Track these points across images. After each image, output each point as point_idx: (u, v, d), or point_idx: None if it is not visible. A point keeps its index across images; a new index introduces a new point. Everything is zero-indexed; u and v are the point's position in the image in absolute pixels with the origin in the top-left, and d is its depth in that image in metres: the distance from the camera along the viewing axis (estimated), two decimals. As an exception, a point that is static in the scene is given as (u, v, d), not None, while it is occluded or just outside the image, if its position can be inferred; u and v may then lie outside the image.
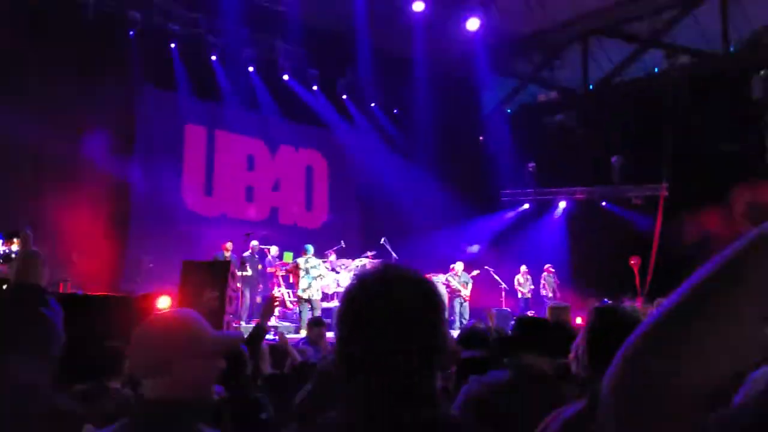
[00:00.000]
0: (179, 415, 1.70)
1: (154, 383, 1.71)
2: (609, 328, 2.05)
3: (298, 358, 5.07)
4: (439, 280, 15.52)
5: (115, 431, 1.69)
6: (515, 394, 2.64)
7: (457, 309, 14.12)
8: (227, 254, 12.06)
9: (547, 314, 6.64)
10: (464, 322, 13.21)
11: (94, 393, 3.45)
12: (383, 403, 1.08)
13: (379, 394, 1.09)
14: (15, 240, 8.57)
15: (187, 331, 1.76)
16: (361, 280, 1.18)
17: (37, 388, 1.55)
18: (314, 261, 12.38)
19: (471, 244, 18.29)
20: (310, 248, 12.46)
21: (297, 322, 12.22)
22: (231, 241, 12.42)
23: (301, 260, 12.33)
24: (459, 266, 14.61)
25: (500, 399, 2.65)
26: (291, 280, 13.75)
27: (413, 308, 1.13)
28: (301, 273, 12.18)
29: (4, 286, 1.83)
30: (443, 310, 1.19)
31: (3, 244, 8.65)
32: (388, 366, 1.09)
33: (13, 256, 8.31)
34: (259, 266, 12.95)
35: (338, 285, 13.64)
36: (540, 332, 2.90)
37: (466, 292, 14.23)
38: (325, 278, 12.80)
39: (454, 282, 14.24)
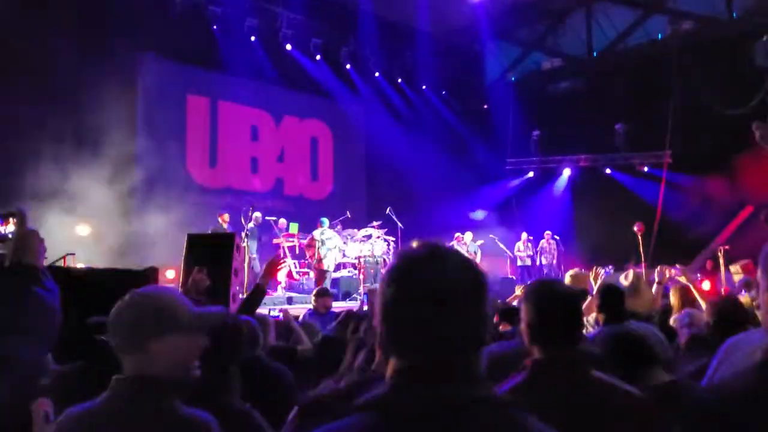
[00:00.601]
0: (155, 391, 1.71)
1: (132, 360, 1.72)
2: (548, 301, 2.11)
3: (303, 337, 5.14)
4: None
5: (94, 407, 1.71)
6: (521, 362, 2.70)
7: None
8: (225, 225, 12.12)
9: (566, 281, 6.67)
10: None
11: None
12: (429, 383, 1.08)
13: (426, 374, 1.09)
14: (11, 220, 8.64)
15: (163, 308, 1.76)
16: (411, 257, 1.16)
17: (35, 367, 1.58)
18: (329, 233, 12.57)
19: (475, 210, 18.34)
20: (326, 221, 12.71)
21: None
22: (227, 213, 12.46)
23: (317, 232, 12.52)
24: (468, 236, 14.71)
25: (507, 368, 2.71)
26: (297, 252, 13.88)
27: (466, 288, 1.13)
28: (317, 244, 12.41)
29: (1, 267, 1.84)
30: (488, 291, 1.18)
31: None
32: (437, 346, 1.09)
33: (10, 236, 8.37)
34: (262, 238, 13.01)
35: (344, 255, 13.75)
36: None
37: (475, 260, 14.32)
38: (342, 249, 13.08)
39: (464, 251, 14.33)
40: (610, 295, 3.99)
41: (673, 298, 5.57)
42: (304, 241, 13.84)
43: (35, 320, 1.61)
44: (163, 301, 1.79)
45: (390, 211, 14.42)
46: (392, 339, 1.13)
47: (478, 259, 14.35)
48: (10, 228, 8.45)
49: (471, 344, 1.13)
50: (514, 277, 14.97)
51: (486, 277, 1.17)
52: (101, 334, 3.89)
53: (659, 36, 18.21)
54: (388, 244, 14.44)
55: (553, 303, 2.09)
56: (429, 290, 1.10)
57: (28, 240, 1.77)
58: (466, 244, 14.49)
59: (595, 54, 19.47)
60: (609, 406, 1.91)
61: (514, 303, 7.68)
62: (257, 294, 4.28)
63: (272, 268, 4.45)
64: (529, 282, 13.38)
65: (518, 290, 10.00)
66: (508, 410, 1.11)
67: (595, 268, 5.45)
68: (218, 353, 2.51)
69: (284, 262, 10.10)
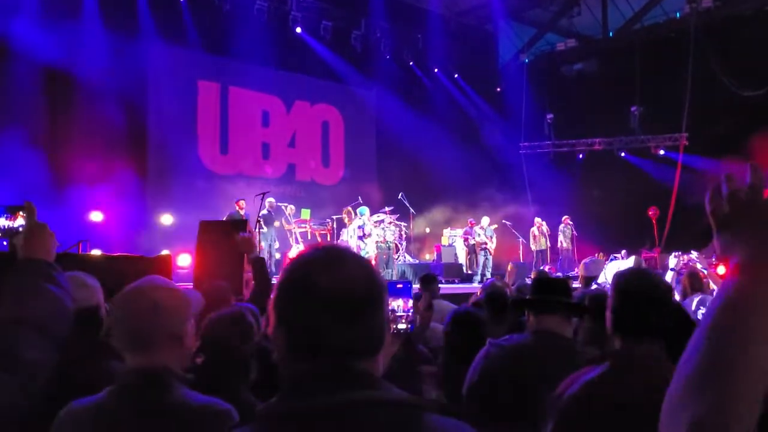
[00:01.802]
0: (166, 382, 1.71)
1: (139, 352, 1.73)
2: (636, 291, 2.03)
3: None
4: (456, 234, 15.56)
5: (99, 400, 1.70)
6: (533, 359, 2.62)
7: (481, 262, 14.22)
8: (241, 212, 12.10)
9: (581, 268, 6.62)
10: (487, 275, 13.34)
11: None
12: (324, 386, 1.06)
13: (322, 377, 1.07)
14: (19, 213, 8.63)
15: (168, 309, 1.76)
16: (307, 262, 1.14)
17: (44, 366, 1.54)
18: (360, 221, 12.87)
19: None
20: (365, 210, 12.92)
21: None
22: (244, 199, 12.44)
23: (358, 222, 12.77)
24: (485, 220, 14.62)
25: (519, 362, 2.63)
26: (309, 238, 13.86)
27: (364, 293, 1.11)
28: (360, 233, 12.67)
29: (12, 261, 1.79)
30: (386, 293, 1.17)
31: (7, 218, 8.69)
32: (335, 351, 1.08)
33: (20, 230, 8.38)
34: (276, 223, 12.99)
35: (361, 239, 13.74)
36: (558, 294, 2.85)
37: (492, 245, 14.27)
38: (373, 236, 13.20)
39: (482, 236, 14.25)
40: None
41: (684, 283, 5.60)
42: (317, 227, 13.81)
43: (45, 318, 1.55)
44: (170, 293, 1.79)
45: (402, 196, 14.34)
46: (289, 344, 1.11)
47: (494, 243, 14.30)
48: (19, 222, 8.49)
49: (369, 349, 1.12)
50: (526, 263, 14.84)
51: (383, 282, 1.17)
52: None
53: (677, 14, 17.92)
54: (400, 230, 14.37)
55: (640, 295, 2.03)
56: (327, 296, 1.08)
57: (38, 234, 1.72)
58: (483, 228, 14.39)
59: (610, 34, 19.20)
60: None
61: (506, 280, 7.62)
62: (256, 265, 4.22)
63: (245, 242, 4.39)
64: (545, 267, 13.33)
65: (510, 266, 9.94)
66: (408, 411, 1.08)
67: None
68: (225, 342, 2.47)
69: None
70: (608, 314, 2.09)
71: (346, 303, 1.09)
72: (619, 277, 2.13)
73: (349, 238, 12.97)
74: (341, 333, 1.08)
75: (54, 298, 1.61)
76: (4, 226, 8.51)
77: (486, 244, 14.20)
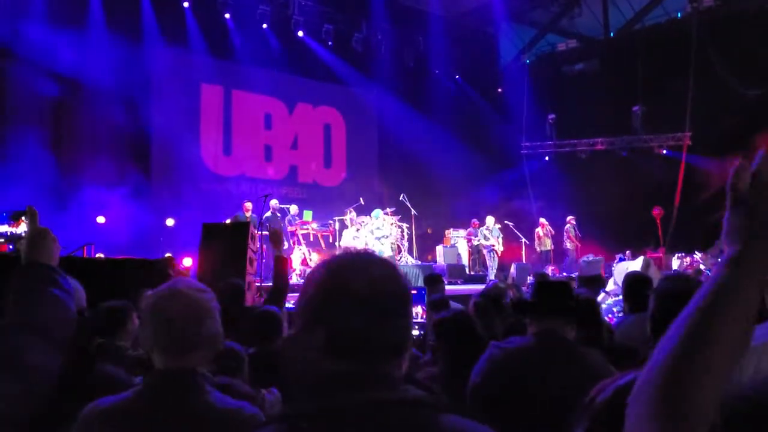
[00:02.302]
0: (196, 384, 1.70)
1: (168, 353, 1.70)
2: (676, 295, 2.01)
3: None
4: (459, 235, 15.55)
5: (124, 401, 1.68)
6: (536, 361, 2.62)
7: (488, 262, 14.25)
8: (248, 214, 12.13)
9: (579, 268, 6.63)
10: (492, 275, 13.40)
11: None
12: (355, 386, 1.08)
13: (354, 377, 1.09)
14: (22, 219, 8.67)
15: (209, 311, 1.75)
16: (342, 259, 1.18)
17: (47, 369, 1.54)
18: (378, 222, 13.12)
19: None
20: (380, 212, 13.19)
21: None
22: (251, 201, 12.49)
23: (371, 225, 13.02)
24: (490, 220, 14.63)
25: (521, 365, 2.64)
26: (312, 239, 13.88)
27: (394, 290, 1.15)
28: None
29: (15, 266, 1.78)
30: (411, 296, 1.21)
31: (10, 225, 8.73)
32: (367, 348, 1.11)
33: (23, 235, 8.43)
34: (281, 225, 13.02)
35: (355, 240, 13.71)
36: (560, 297, 2.84)
37: (499, 246, 14.31)
38: (390, 237, 13.47)
39: (491, 238, 14.28)
40: (635, 284, 4.00)
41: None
42: (319, 229, 13.84)
43: (49, 322, 1.56)
44: (207, 296, 1.78)
45: (404, 197, 14.35)
46: (327, 344, 1.12)
47: (501, 244, 14.34)
48: (22, 228, 8.51)
49: (399, 350, 1.15)
50: (529, 264, 14.82)
51: (410, 285, 1.25)
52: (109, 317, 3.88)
53: (678, 14, 17.89)
54: (402, 231, 14.38)
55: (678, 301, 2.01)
56: (365, 298, 1.11)
57: (41, 239, 1.73)
58: (490, 229, 14.39)
59: (611, 34, 19.19)
60: None
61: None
62: (279, 264, 4.29)
63: (276, 236, 4.47)
64: (548, 269, 13.31)
65: (512, 268, 9.92)
66: (433, 412, 1.11)
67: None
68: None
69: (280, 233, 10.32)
70: (648, 318, 2.08)
71: (381, 305, 1.12)
72: (661, 282, 2.13)
73: (363, 238, 13.06)
74: (376, 334, 1.11)
75: (58, 302, 1.61)
76: (7, 232, 8.54)
77: (493, 245, 14.24)
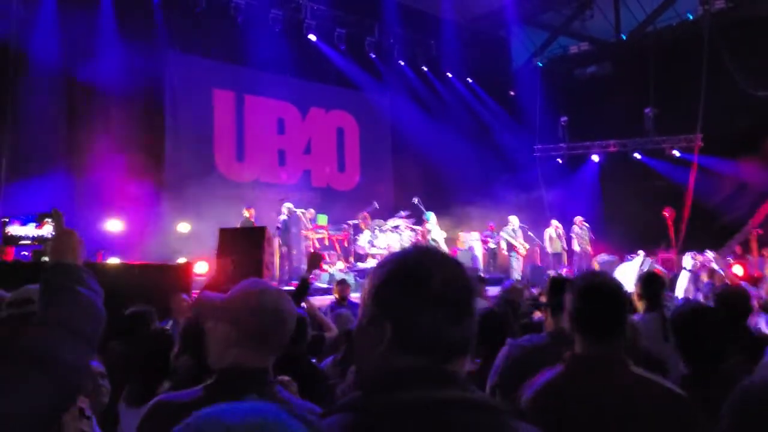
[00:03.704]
0: (265, 381, 1.76)
1: (250, 350, 1.75)
2: (593, 293, 2.09)
3: (331, 324, 5.21)
4: (472, 237, 15.58)
5: (198, 396, 1.72)
6: (551, 358, 2.68)
7: (513, 264, 14.41)
8: (251, 220, 12.20)
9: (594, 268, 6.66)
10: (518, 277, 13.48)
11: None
12: (423, 383, 1.08)
13: (423, 374, 1.09)
14: (47, 221, 8.81)
15: (287, 307, 1.82)
16: (415, 254, 1.17)
17: (79, 368, 1.59)
18: (430, 226, 13.42)
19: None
20: (431, 215, 13.54)
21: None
22: (253, 208, 12.54)
23: (428, 225, 13.36)
24: (515, 220, 14.75)
25: (538, 363, 2.69)
26: (327, 243, 13.96)
27: (466, 288, 1.14)
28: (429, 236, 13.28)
29: (43, 266, 1.85)
30: (476, 296, 1.19)
31: (36, 227, 8.87)
32: (439, 345, 1.10)
33: (49, 236, 8.57)
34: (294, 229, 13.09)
35: (372, 246, 13.78)
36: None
37: (522, 248, 14.44)
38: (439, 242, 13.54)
39: (516, 238, 14.37)
40: (652, 283, 4.06)
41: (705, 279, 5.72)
42: (334, 233, 13.94)
43: (80, 321, 1.61)
44: (284, 300, 1.84)
45: (418, 201, 14.39)
46: (395, 339, 1.11)
47: (523, 246, 14.50)
48: (46, 229, 8.65)
49: (467, 348, 1.15)
50: (543, 266, 14.84)
51: (477, 285, 1.20)
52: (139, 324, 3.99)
53: (690, 16, 17.86)
54: (416, 234, 14.44)
55: (595, 295, 2.07)
56: (440, 294, 1.10)
57: (68, 240, 1.78)
58: (514, 229, 14.58)
59: (623, 37, 19.18)
60: (645, 403, 1.88)
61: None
62: (303, 287, 4.42)
63: (317, 261, 4.60)
64: (562, 270, 13.36)
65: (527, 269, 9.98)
66: (496, 414, 1.11)
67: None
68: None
69: (325, 257, 10.49)
70: (565, 315, 2.15)
71: (455, 303, 1.11)
72: (578, 281, 2.20)
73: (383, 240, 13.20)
74: (448, 332, 1.10)
75: (86, 301, 1.66)
76: (33, 235, 8.68)
77: (518, 249, 14.34)
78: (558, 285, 3.04)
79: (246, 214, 12.33)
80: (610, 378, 1.95)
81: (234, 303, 1.79)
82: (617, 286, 2.12)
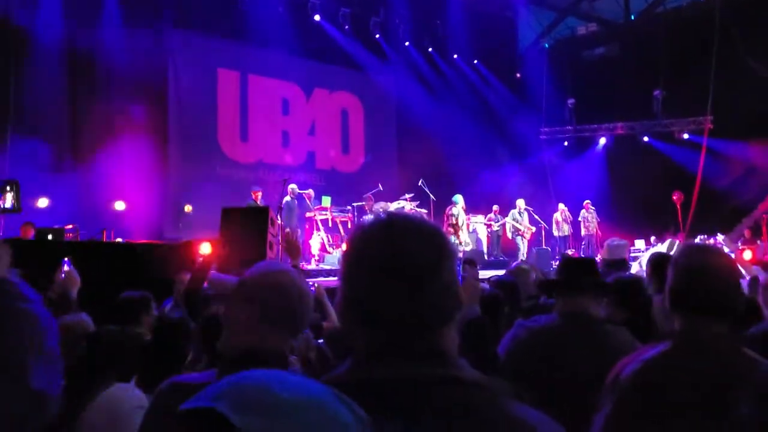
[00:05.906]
0: (285, 363, 1.71)
1: (263, 334, 1.68)
2: (697, 268, 1.93)
3: (333, 314, 5.06)
4: (478, 220, 15.48)
5: (212, 380, 1.64)
6: (563, 340, 2.58)
7: (519, 246, 14.41)
8: (258, 203, 12.09)
9: (604, 251, 6.52)
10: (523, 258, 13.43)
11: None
12: (390, 360, 1.01)
13: (386, 350, 1.02)
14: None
15: (308, 289, 1.78)
16: (366, 228, 1.09)
17: (45, 394, 1.50)
18: (456, 210, 13.21)
19: None
20: (459, 198, 13.31)
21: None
22: (260, 190, 12.43)
23: (454, 209, 13.13)
24: (521, 203, 14.72)
25: (548, 344, 2.59)
26: (330, 225, 13.87)
27: (425, 259, 1.04)
28: (453, 221, 13.12)
29: None
30: (455, 262, 1.10)
31: None
32: (396, 320, 1.03)
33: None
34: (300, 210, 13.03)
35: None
36: (587, 274, 2.79)
37: (527, 230, 14.41)
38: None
39: (522, 221, 14.28)
40: (663, 264, 3.91)
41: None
42: (338, 215, 13.82)
43: (26, 336, 1.49)
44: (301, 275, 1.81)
45: (423, 183, 14.28)
46: (351, 315, 1.08)
47: (529, 229, 14.44)
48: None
49: (435, 319, 1.05)
50: (549, 249, 14.74)
51: (451, 246, 1.09)
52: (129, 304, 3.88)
53: (700, -4, 17.64)
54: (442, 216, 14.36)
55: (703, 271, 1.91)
56: (384, 263, 1.03)
57: None
58: (520, 212, 14.60)
59: (632, 17, 18.95)
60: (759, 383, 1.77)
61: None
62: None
63: (295, 249, 4.37)
64: (571, 251, 13.27)
65: (533, 252, 9.87)
66: (484, 393, 1.02)
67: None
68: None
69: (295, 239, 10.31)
70: (666, 291, 1.98)
71: (402, 272, 1.03)
72: (681, 255, 2.02)
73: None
74: (399, 304, 1.02)
75: (30, 315, 1.55)
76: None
77: (523, 232, 14.32)
78: (569, 264, 2.92)
79: (253, 196, 12.24)
80: (720, 358, 1.84)
81: (259, 283, 1.73)
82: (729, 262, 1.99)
